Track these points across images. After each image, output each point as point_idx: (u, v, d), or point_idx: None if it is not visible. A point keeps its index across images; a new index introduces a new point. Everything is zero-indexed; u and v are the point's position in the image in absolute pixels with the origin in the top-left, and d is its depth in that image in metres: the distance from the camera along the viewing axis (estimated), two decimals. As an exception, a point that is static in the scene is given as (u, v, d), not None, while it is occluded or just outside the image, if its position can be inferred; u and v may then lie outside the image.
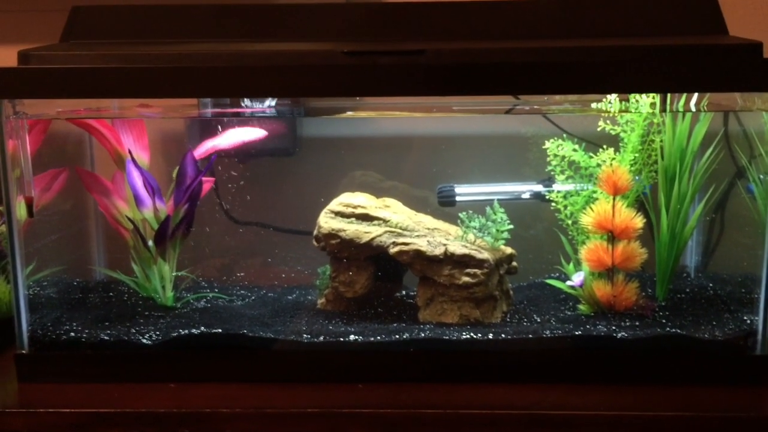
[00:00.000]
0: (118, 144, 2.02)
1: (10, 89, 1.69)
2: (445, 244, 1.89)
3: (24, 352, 1.77)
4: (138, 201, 1.98)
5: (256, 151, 2.08)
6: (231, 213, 2.19)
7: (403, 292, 2.05)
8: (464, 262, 1.86)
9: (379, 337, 1.75)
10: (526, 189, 2.11)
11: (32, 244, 1.89)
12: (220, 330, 1.82)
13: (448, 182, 2.11)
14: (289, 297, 2.11)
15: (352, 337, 1.77)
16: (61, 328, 1.84)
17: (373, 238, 1.91)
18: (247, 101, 1.93)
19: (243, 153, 2.10)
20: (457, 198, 2.09)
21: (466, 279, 1.87)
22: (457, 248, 1.88)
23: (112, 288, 2.11)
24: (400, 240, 1.90)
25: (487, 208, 1.97)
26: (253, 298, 2.09)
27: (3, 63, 1.70)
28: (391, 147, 2.25)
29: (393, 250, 1.90)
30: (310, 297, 2.08)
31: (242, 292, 2.14)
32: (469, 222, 1.96)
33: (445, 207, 2.09)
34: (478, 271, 1.86)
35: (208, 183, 2.10)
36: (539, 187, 2.08)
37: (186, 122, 2.17)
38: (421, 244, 1.87)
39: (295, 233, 2.18)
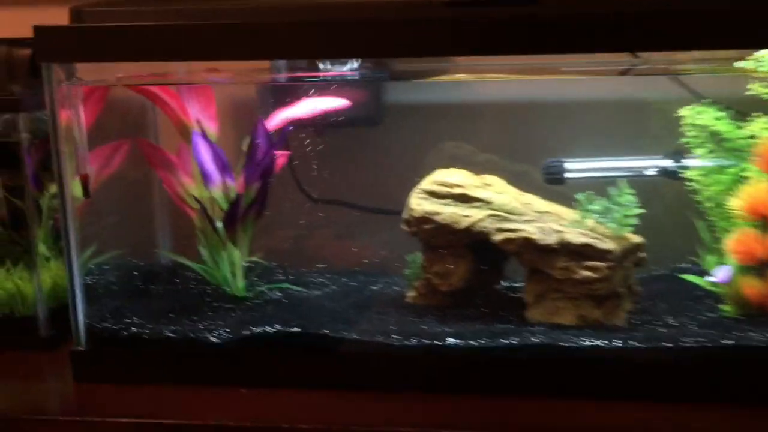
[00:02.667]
0: (183, 113, 1.78)
1: (60, 51, 1.46)
2: (559, 231, 1.58)
3: (81, 348, 1.56)
4: (205, 178, 1.74)
5: (335, 121, 1.83)
6: (308, 191, 1.96)
7: (504, 283, 1.80)
8: (583, 252, 1.58)
9: (481, 341, 1.47)
10: (649, 164, 1.77)
11: (89, 226, 1.66)
12: (297, 328, 1.56)
13: (555, 156, 1.81)
14: (374, 287, 1.85)
15: (449, 339, 1.49)
16: (121, 321, 1.63)
17: (473, 223, 1.62)
18: (326, 64, 1.71)
19: (321, 123, 1.85)
20: (567, 175, 1.78)
21: (585, 273, 1.57)
22: (575, 236, 1.57)
23: (177, 274, 1.91)
24: (506, 226, 1.60)
25: (611, 189, 1.64)
26: (333, 287, 1.87)
27: (53, 22, 1.46)
28: (487, 115, 2.01)
29: (497, 237, 1.60)
30: (396, 288, 1.85)
31: (321, 280, 1.92)
32: (589, 205, 1.64)
33: (553, 185, 1.80)
34: (600, 264, 1.56)
35: (282, 157, 1.83)
36: (666, 163, 1.75)
37: (258, 89, 1.96)
38: (531, 231, 1.59)
39: (380, 213, 1.94)
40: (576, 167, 1.80)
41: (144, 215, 2.03)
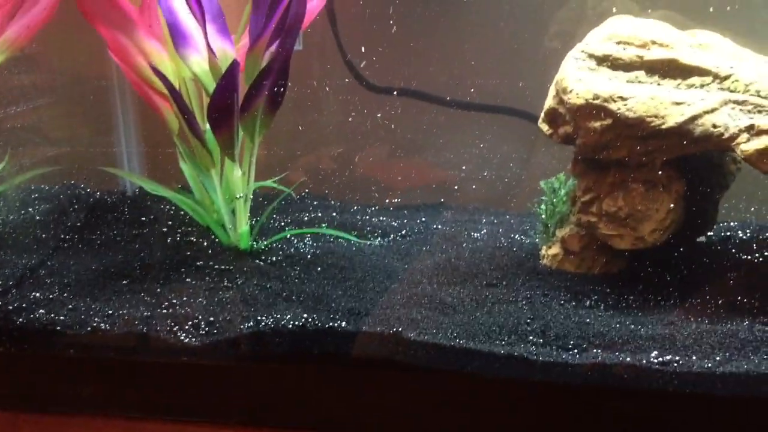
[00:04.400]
0: None
1: None
2: None
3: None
4: (175, 34, 0.91)
5: None
6: (361, 69, 1.27)
7: (712, 236, 1.10)
8: None
9: (712, 360, 0.81)
10: None
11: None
12: (335, 320, 0.93)
13: None
14: (474, 234, 1.16)
15: (654, 354, 0.78)
16: (26, 296, 0.98)
17: (695, 117, 0.75)
18: None
19: None
20: None
21: None
22: None
23: (145, 207, 1.25)
24: (766, 122, 0.71)
25: None
26: (403, 232, 1.20)
27: None
28: None
29: (748, 145, 0.77)
30: (518, 237, 1.16)
31: (381, 219, 1.25)
32: None
33: None
34: None
35: (315, 4, 0.99)
36: None
37: None
38: None
39: (484, 111, 1.27)
40: None
41: (95, 108, 1.34)
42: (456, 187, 1.36)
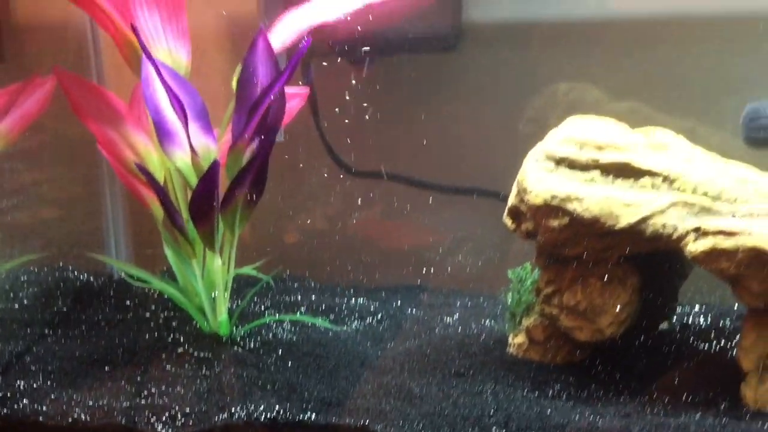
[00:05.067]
0: (128, 25, 1.02)
1: None
2: None
3: None
4: (161, 132, 0.98)
5: (386, 41, 1.26)
6: (341, 155, 1.36)
7: (675, 322, 1.16)
8: None
9: None
10: None
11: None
12: (306, 411, 0.98)
13: (759, 100, 1.15)
14: (446, 319, 1.22)
15: None
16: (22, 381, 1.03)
17: (645, 218, 0.81)
18: None
19: (361, 40, 1.24)
20: None
21: None
22: None
23: (128, 294, 1.29)
24: (712, 224, 0.88)
25: None
26: (376, 318, 1.24)
27: None
28: (627, 39, 1.36)
29: (695, 246, 0.82)
30: (487, 322, 1.20)
31: (358, 301, 1.31)
32: None
33: (761, 148, 1.12)
34: None
35: (297, 98, 1.04)
36: None
37: None
38: (766, 235, 0.88)
39: (459, 194, 1.36)
40: None
41: (85, 197, 1.40)
42: (432, 270, 1.41)
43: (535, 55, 1.38)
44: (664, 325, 1.14)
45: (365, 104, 1.38)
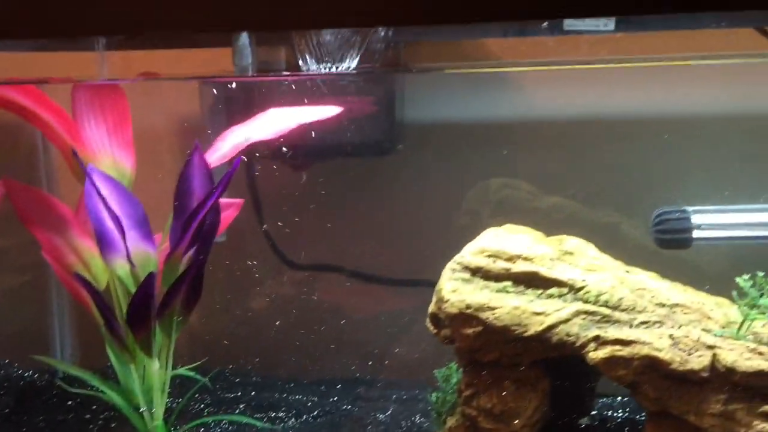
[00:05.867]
0: (74, 138, 1.08)
1: None
2: (710, 346, 0.83)
3: None
4: (102, 240, 1.03)
5: (326, 147, 1.33)
6: (284, 252, 1.43)
7: (595, 414, 1.21)
8: (759, 387, 0.97)
9: None
10: None
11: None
12: None
13: (672, 203, 1.22)
14: (379, 416, 1.31)
15: None
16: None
17: (551, 327, 0.89)
18: (311, 61, 1.18)
19: (301, 150, 1.32)
20: (697, 234, 1.17)
21: (766, 428, 0.81)
22: (740, 357, 0.97)
23: (72, 393, 1.28)
24: (610, 332, 0.96)
25: None
26: (313, 415, 1.29)
27: None
28: (553, 138, 1.45)
29: (596, 354, 0.89)
30: (418, 419, 1.27)
31: (296, 397, 1.34)
32: (759, 296, 0.90)
33: (670, 249, 1.19)
34: None
35: (232, 207, 1.11)
36: None
37: (202, 96, 1.39)
38: (658, 344, 1.00)
39: (392, 285, 1.43)
40: (710, 221, 1.20)
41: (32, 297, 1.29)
42: (372, 361, 1.46)
43: (469, 153, 1.44)
44: (585, 420, 1.20)
45: (309, 203, 1.46)
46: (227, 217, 1.23)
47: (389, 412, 1.26)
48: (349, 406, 1.28)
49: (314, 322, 1.48)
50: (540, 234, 1.17)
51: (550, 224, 1.30)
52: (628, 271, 1.10)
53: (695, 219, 1.20)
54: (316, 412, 1.26)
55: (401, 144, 1.46)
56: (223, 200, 1.19)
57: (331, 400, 1.31)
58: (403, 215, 1.48)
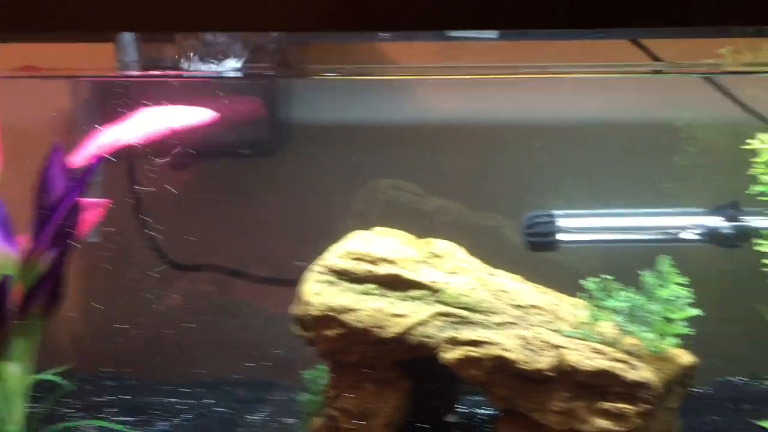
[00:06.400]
0: None
1: None
2: (557, 346, 0.93)
3: None
4: None
5: (209, 148, 1.33)
6: (167, 252, 1.42)
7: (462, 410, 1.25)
8: (599, 386, 1.00)
9: None
10: (689, 223, 1.23)
11: None
12: None
13: (542, 208, 1.27)
14: (249, 418, 1.28)
15: None
16: None
17: (409, 328, 0.92)
18: (195, 61, 1.21)
19: (184, 150, 1.31)
20: (561, 236, 1.23)
21: (603, 424, 0.85)
22: (583, 356, 1.00)
23: None
24: (464, 333, 1.01)
25: (643, 273, 1.07)
26: (185, 417, 1.28)
27: None
28: (440, 141, 1.47)
29: (449, 354, 0.92)
30: (288, 420, 1.27)
31: (172, 400, 1.33)
32: (606, 298, 0.95)
33: (539, 252, 1.25)
34: (629, 408, 0.98)
35: (98, 207, 1.09)
36: (716, 221, 1.22)
37: (76, 92, 1.38)
38: (508, 345, 1.03)
39: (273, 284, 1.43)
40: (574, 224, 1.25)
41: None
42: (256, 361, 1.46)
43: (358, 155, 1.46)
44: (453, 418, 1.23)
45: (191, 204, 1.44)
46: (93, 216, 1.20)
47: (262, 413, 1.26)
48: (223, 408, 1.28)
49: (194, 323, 1.47)
50: (410, 237, 1.19)
51: (436, 227, 1.33)
52: (492, 274, 1.14)
53: (562, 222, 1.25)
54: (189, 416, 1.26)
55: (286, 145, 1.47)
56: (88, 200, 1.17)
57: (205, 402, 1.31)
58: (290, 216, 1.49)
